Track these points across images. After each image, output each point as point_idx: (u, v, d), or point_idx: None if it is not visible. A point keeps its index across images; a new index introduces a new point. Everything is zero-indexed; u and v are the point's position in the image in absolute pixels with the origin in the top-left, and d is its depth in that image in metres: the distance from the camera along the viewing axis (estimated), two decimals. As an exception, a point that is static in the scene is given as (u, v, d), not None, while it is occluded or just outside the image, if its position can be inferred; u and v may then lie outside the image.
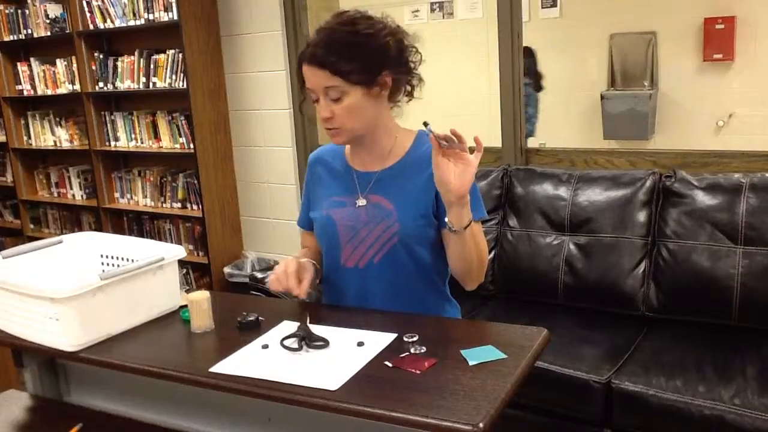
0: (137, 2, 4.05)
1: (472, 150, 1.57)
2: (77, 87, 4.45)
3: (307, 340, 1.51)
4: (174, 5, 3.86)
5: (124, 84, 4.28)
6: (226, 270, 4.16)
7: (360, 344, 1.50)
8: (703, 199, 2.80)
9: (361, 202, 1.76)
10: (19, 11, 4.59)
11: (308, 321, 1.57)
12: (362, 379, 1.36)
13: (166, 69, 4.08)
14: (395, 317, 1.64)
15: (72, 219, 4.96)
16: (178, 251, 1.79)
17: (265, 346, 1.53)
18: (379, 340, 1.51)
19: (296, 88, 1.77)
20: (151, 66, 4.14)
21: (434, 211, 1.73)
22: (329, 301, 1.86)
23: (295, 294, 1.69)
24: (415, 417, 1.22)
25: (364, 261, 1.74)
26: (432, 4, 5.84)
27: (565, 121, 5.47)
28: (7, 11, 4.64)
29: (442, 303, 1.84)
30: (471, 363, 1.39)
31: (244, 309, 1.71)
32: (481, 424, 1.18)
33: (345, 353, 1.47)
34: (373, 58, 1.63)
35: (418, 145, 1.78)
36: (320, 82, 1.62)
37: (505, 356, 1.41)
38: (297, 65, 1.69)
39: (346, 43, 1.60)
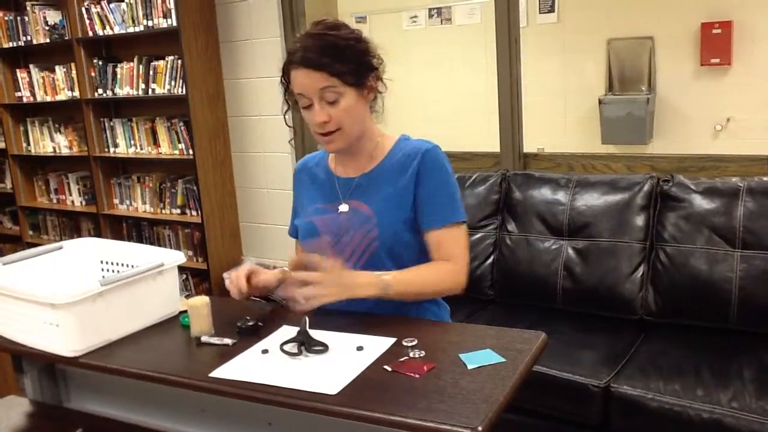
0: (136, 9, 4.06)
1: None
2: (76, 93, 4.46)
3: (306, 344, 1.52)
4: (173, 12, 3.88)
5: (123, 90, 4.29)
6: (225, 275, 4.17)
7: (359, 349, 1.50)
8: (701, 203, 2.81)
9: (343, 207, 1.78)
10: (18, 18, 4.60)
11: (307, 326, 1.57)
12: (362, 383, 1.37)
13: (165, 75, 4.09)
14: (394, 321, 1.65)
15: (71, 225, 4.96)
16: (178, 257, 1.79)
17: (265, 351, 1.53)
18: (378, 345, 1.51)
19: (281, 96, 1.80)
20: (150, 72, 4.15)
21: (413, 216, 1.74)
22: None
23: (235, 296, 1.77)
24: (414, 420, 1.23)
25: (347, 267, 1.75)
26: (430, 9, 5.86)
27: (563, 126, 5.47)
28: (6, 18, 4.65)
29: (428, 305, 1.84)
30: (469, 367, 1.39)
31: (244, 314, 1.72)
32: (479, 428, 1.18)
33: (344, 358, 1.47)
34: (361, 61, 1.68)
35: (397, 149, 1.80)
36: (316, 85, 1.64)
37: (503, 360, 1.42)
38: (283, 72, 1.71)
39: (338, 45, 1.64)
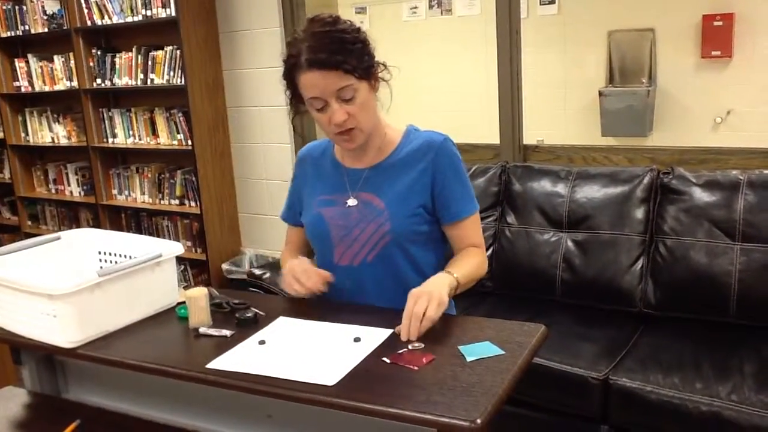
0: (135, -2, 4.05)
1: None
2: (75, 83, 4.44)
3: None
4: (172, 1, 3.86)
5: (122, 80, 4.28)
6: (225, 267, 4.16)
7: (357, 340, 1.50)
8: (701, 196, 2.80)
9: (352, 201, 1.76)
10: (17, 7, 4.58)
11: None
12: (360, 374, 1.36)
13: (164, 65, 4.07)
14: (392, 313, 1.64)
15: (70, 216, 4.96)
16: (176, 248, 1.79)
17: (262, 342, 1.53)
18: (375, 336, 1.51)
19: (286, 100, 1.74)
20: (149, 62, 4.13)
21: (430, 209, 1.74)
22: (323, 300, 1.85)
23: (318, 290, 1.70)
24: (413, 413, 1.22)
25: (358, 259, 1.75)
26: (430, 0, 5.84)
27: (564, 118, 5.46)
28: (4, 7, 4.63)
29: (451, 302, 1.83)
30: (469, 359, 1.39)
31: (242, 305, 1.71)
32: (478, 420, 1.18)
33: (342, 349, 1.47)
34: (367, 52, 1.65)
35: (406, 141, 1.78)
36: (332, 85, 1.59)
37: (502, 352, 1.41)
38: (289, 78, 1.65)
39: (345, 40, 1.60)
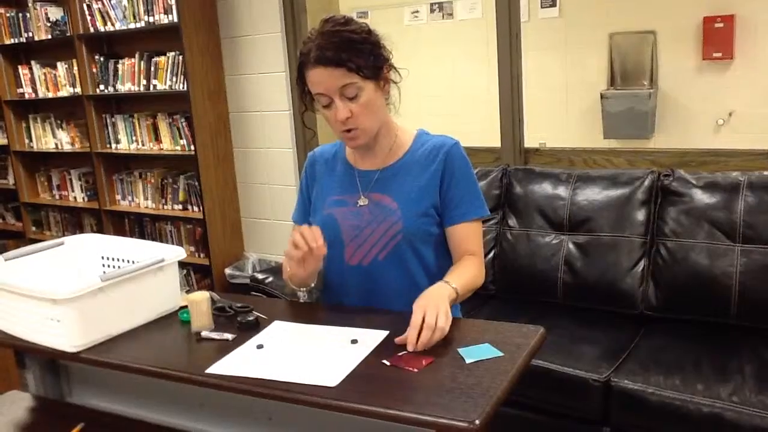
0: (137, 5, 4.07)
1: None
2: (78, 90, 4.47)
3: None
4: (174, 8, 3.88)
5: (125, 86, 4.30)
6: (227, 271, 4.18)
7: (354, 341, 1.51)
8: (702, 197, 2.81)
9: (363, 201, 1.78)
10: (20, 14, 4.61)
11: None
12: (360, 376, 1.37)
13: (167, 71, 4.09)
14: (389, 315, 1.65)
15: (73, 221, 4.98)
16: (178, 252, 1.80)
17: (260, 346, 1.54)
18: (372, 337, 1.52)
19: (297, 95, 1.78)
20: (152, 68, 4.16)
21: (438, 210, 1.75)
22: (332, 301, 1.87)
23: (314, 246, 1.60)
24: (412, 414, 1.23)
25: (368, 259, 1.76)
26: (432, 4, 5.86)
27: (565, 121, 5.47)
28: (8, 14, 4.66)
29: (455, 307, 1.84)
30: (468, 361, 1.40)
31: (244, 309, 1.72)
32: (477, 421, 1.19)
33: (340, 351, 1.48)
34: (376, 53, 1.68)
35: (418, 144, 1.81)
36: (336, 82, 1.63)
37: (501, 354, 1.42)
38: (298, 73, 1.70)
39: (353, 40, 1.64)
